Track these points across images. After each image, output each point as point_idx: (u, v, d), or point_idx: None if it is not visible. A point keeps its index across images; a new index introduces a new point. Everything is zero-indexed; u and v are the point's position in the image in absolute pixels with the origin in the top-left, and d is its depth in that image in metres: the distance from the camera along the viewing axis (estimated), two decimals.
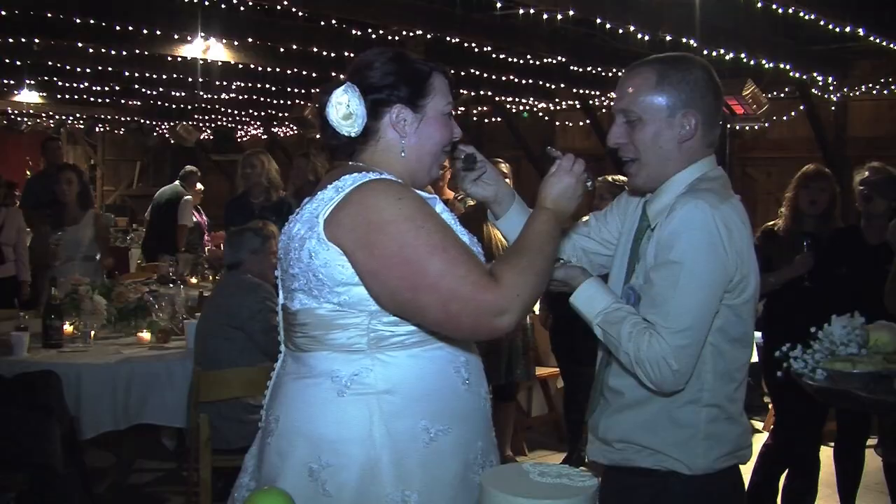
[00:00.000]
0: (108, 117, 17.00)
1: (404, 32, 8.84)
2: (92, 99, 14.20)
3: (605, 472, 2.52)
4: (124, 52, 9.62)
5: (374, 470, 2.07)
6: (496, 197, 2.60)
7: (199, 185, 11.08)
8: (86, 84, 12.33)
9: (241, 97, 13.21)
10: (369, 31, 9.01)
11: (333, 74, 10.24)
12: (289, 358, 2.24)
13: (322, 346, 2.13)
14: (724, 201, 2.30)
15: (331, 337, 2.12)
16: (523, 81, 11.23)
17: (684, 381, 2.26)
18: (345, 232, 2.04)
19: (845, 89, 10.23)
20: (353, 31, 8.97)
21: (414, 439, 2.10)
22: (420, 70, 2.23)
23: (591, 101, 12.38)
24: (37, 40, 9.21)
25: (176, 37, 9.08)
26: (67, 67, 10.99)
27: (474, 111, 13.52)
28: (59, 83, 12.42)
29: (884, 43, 7.97)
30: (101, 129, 18.53)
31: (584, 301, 2.36)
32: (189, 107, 15.05)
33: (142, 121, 17.23)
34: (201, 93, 12.36)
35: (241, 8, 8.15)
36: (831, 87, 10.19)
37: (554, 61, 9.89)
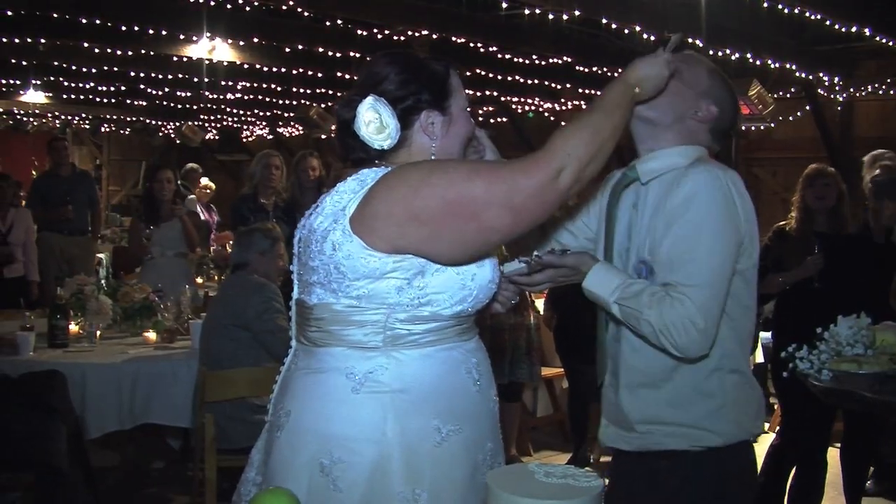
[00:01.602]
0: (114, 117, 17.00)
1: (410, 32, 8.83)
2: (97, 99, 14.20)
3: (623, 458, 2.52)
4: (130, 53, 9.62)
5: (386, 467, 2.08)
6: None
7: (210, 183, 11.11)
8: (91, 84, 12.34)
9: (246, 97, 13.20)
10: (374, 31, 9.00)
11: (339, 74, 10.27)
12: (301, 352, 2.24)
13: (337, 341, 2.14)
14: (728, 170, 2.39)
15: (346, 333, 2.12)
16: (528, 82, 11.22)
17: (709, 344, 2.27)
18: (382, 221, 2.04)
19: (851, 89, 10.21)
20: (359, 32, 8.95)
21: (425, 438, 2.11)
22: (438, 72, 2.25)
23: None
24: (42, 40, 9.20)
25: (181, 37, 9.08)
26: (73, 67, 10.99)
27: (479, 111, 13.53)
28: (65, 83, 12.43)
29: (890, 43, 7.95)
30: (107, 129, 18.53)
31: (597, 283, 2.37)
32: (194, 107, 15.05)
33: (147, 121, 17.23)
34: (206, 93, 12.35)
35: (247, 8, 8.14)
36: (837, 87, 10.16)
37: (559, 61, 9.87)
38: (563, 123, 2.12)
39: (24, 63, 10.48)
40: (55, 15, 7.81)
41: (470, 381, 2.19)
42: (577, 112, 2.07)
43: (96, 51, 9.48)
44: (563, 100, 13.02)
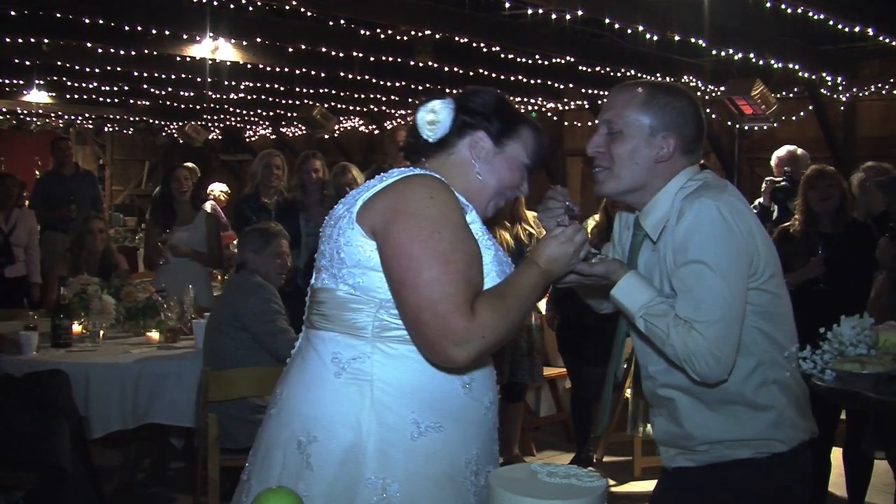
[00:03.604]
0: (117, 117, 17.03)
1: (413, 32, 8.84)
2: (101, 99, 14.21)
3: (681, 473, 2.53)
4: (133, 52, 9.62)
5: (358, 453, 2.14)
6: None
7: (225, 188, 11.18)
8: (94, 84, 12.34)
9: (249, 97, 13.22)
10: (378, 30, 9.01)
11: (342, 74, 10.29)
12: (303, 336, 2.34)
13: (332, 325, 2.22)
14: (723, 192, 2.37)
15: (342, 318, 2.20)
16: (531, 81, 11.23)
17: (728, 372, 2.31)
18: (375, 214, 2.14)
19: (854, 89, 10.20)
20: (362, 32, 8.97)
21: (401, 431, 2.16)
22: (517, 116, 2.38)
23: (599, 102, 12.35)
24: (46, 40, 9.22)
25: (184, 37, 9.08)
26: (76, 67, 10.99)
27: None
28: (68, 83, 12.43)
29: (893, 43, 7.95)
30: (110, 129, 18.55)
31: (626, 293, 2.39)
32: (197, 107, 15.06)
33: (150, 121, 17.26)
34: (210, 93, 12.37)
35: (250, 8, 8.14)
36: (840, 87, 10.16)
37: (562, 61, 9.88)
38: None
39: (28, 63, 10.47)
40: (58, 15, 7.81)
41: (458, 383, 2.22)
42: (505, 288, 2.19)
43: (99, 51, 9.50)
44: (566, 99, 13.03)
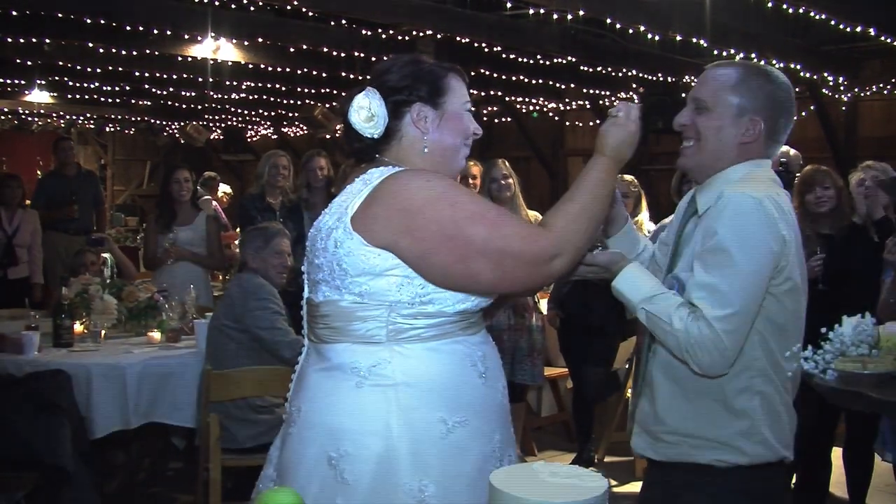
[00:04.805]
0: (118, 117, 17.01)
1: (414, 32, 8.84)
2: (102, 99, 14.20)
3: (652, 467, 2.52)
4: (134, 52, 9.63)
5: (392, 460, 2.13)
6: (612, 216, 2.66)
7: (228, 189, 11.19)
8: (96, 84, 12.34)
9: (250, 97, 13.21)
10: (379, 30, 9.01)
11: (343, 74, 10.28)
12: (311, 350, 2.31)
13: (343, 336, 2.19)
14: (771, 190, 2.36)
15: (351, 328, 2.18)
16: (533, 81, 11.22)
17: (730, 365, 2.28)
18: (381, 224, 2.12)
19: (856, 89, 10.19)
20: (363, 31, 8.97)
21: (431, 431, 2.16)
22: (436, 71, 2.32)
23: (600, 102, 12.36)
24: (47, 40, 9.22)
25: (186, 37, 9.09)
26: (78, 67, 10.99)
27: (484, 111, 13.53)
28: (70, 83, 12.43)
29: (894, 43, 7.94)
30: (111, 129, 18.55)
31: (628, 285, 2.38)
32: (199, 107, 15.05)
33: (152, 121, 17.25)
34: (211, 93, 12.36)
35: (251, 8, 8.15)
36: (842, 88, 10.15)
37: (564, 61, 9.88)
38: (559, 204, 2.22)
39: (29, 63, 10.48)
40: (60, 15, 7.81)
41: (475, 374, 2.23)
42: (572, 191, 2.19)
43: (101, 51, 9.50)
44: (567, 99, 13.03)
